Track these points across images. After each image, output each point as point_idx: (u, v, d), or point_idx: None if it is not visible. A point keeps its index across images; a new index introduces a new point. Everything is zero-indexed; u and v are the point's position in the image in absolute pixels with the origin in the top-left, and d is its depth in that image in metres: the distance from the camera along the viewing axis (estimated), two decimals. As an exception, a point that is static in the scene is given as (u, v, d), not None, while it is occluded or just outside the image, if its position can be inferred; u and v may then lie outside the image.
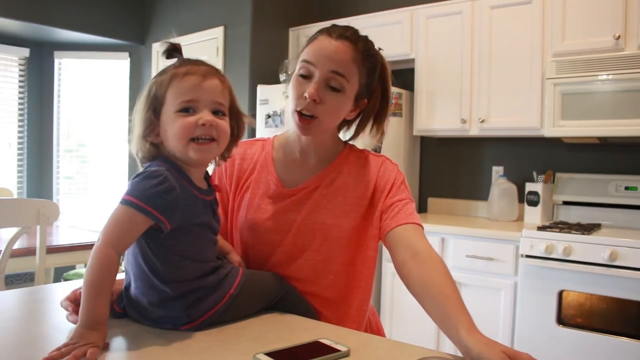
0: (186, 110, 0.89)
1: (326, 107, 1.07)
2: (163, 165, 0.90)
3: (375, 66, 1.14)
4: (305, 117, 1.07)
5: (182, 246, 0.91)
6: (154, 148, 0.93)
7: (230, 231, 1.21)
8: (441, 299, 0.92)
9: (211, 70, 0.92)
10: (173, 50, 0.95)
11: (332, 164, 1.18)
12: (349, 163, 1.18)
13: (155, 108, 0.91)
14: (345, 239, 1.12)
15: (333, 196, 1.14)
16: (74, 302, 0.94)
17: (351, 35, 1.10)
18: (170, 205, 0.86)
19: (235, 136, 1.00)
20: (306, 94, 1.06)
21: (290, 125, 1.17)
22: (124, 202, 0.85)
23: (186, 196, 0.90)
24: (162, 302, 0.91)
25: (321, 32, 1.11)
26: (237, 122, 1.00)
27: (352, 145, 1.24)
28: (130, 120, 0.94)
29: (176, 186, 0.88)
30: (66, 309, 0.94)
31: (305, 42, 1.13)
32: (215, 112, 0.91)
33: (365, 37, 1.13)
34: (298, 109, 1.08)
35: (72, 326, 0.92)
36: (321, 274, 1.12)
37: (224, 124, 0.92)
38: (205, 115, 0.89)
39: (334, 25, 1.12)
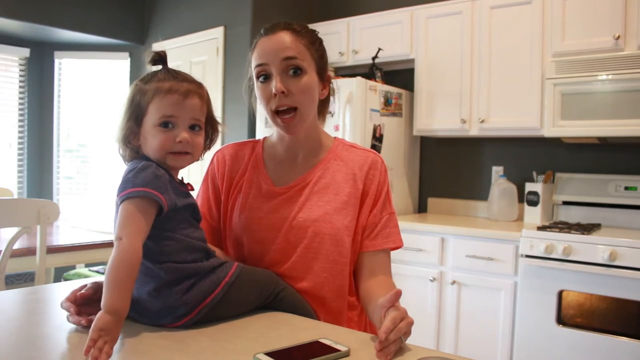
0: (166, 124, 0.97)
1: (297, 93, 1.10)
2: (147, 160, 0.98)
3: (318, 40, 1.18)
4: (285, 116, 1.11)
5: (172, 225, 0.96)
6: (133, 151, 1.01)
7: (224, 232, 1.22)
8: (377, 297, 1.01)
9: (192, 88, 0.99)
10: (158, 60, 1.02)
11: (322, 161, 1.19)
12: (338, 158, 1.20)
13: (137, 116, 0.98)
14: (337, 236, 1.13)
15: (323, 193, 1.16)
16: (74, 302, 0.94)
17: (284, 25, 1.15)
18: (165, 188, 0.94)
19: (210, 141, 1.08)
20: (273, 91, 1.09)
21: (274, 128, 1.21)
22: (132, 194, 0.90)
23: (171, 185, 0.98)
24: (159, 289, 0.93)
25: (258, 37, 1.16)
26: (212, 128, 1.08)
27: (342, 140, 1.26)
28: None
29: (165, 173, 0.97)
30: (67, 310, 0.94)
31: (250, 51, 1.17)
32: (192, 127, 0.99)
33: (295, 22, 1.19)
34: (273, 109, 1.11)
35: (73, 327, 0.93)
36: (315, 272, 1.12)
37: (199, 139, 1.01)
38: (183, 133, 0.97)
39: (265, 27, 1.16)
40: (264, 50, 1.11)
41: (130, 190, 0.91)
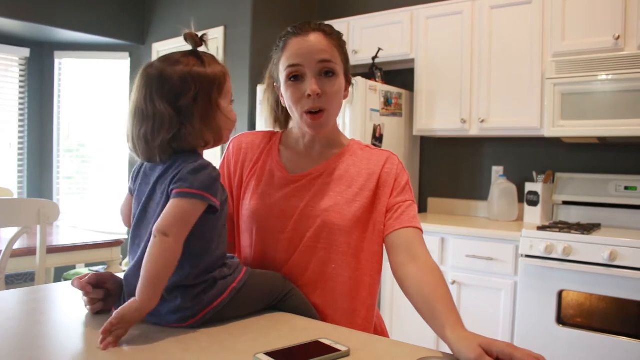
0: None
1: (329, 95, 1.12)
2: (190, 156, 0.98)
3: (344, 42, 1.20)
4: (314, 114, 1.12)
5: (208, 228, 0.97)
6: (170, 148, 0.97)
7: (237, 218, 1.22)
8: (432, 299, 0.96)
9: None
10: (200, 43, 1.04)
11: (337, 154, 1.21)
12: (353, 155, 1.21)
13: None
14: (347, 228, 1.12)
15: (336, 184, 1.16)
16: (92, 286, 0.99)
17: (315, 26, 1.16)
18: (217, 190, 0.96)
19: None
20: (308, 92, 1.10)
21: (295, 124, 1.22)
22: (190, 195, 0.91)
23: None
24: (171, 290, 0.93)
25: (288, 36, 1.16)
26: None
27: (358, 141, 1.27)
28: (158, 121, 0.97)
29: (219, 175, 0.98)
30: (84, 288, 0.98)
31: (277, 50, 1.18)
32: None
33: (323, 22, 1.19)
34: (306, 109, 1.12)
35: (73, 327, 0.93)
36: (323, 262, 1.12)
37: None
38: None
39: (294, 26, 1.16)
40: (299, 51, 1.12)
41: (192, 192, 0.91)
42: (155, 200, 0.96)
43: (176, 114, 0.95)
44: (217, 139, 1.01)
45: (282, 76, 1.15)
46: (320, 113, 1.12)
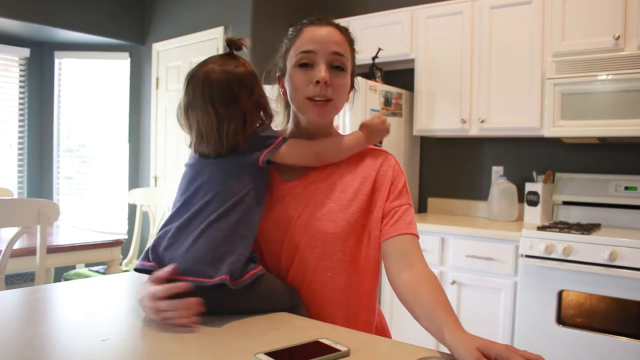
0: None
1: (336, 87, 1.11)
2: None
3: (354, 46, 1.20)
4: (320, 102, 1.11)
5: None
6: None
7: None
8: (429, 305, 0.95)
9: None
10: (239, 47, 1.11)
11: None
12: (348, 158, 1.19)
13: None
14: (340, 235, 1.10)
15: (331, 190, 1.14)
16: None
17: (331, 21, 1.17)
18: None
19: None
20: (317, 79, 1.09)
21: (292, 121, 1.20)
22: (280, 144, 1.09)
23: None
24: (224, 243, 0.98)
25: (303, 25, 1.16)
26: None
27: None
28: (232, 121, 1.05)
29: None
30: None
31: (289, 39, 1.17)
32: None
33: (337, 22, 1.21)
34: (310, 95, 1.10)
35: (73, 327, 0.93)
36: (318, 271, 1.11)
37: None
38: None
39: (309, 19, 1.17)
40: (315, 38, 1.12)
41: (277, 142, 1.07)
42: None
43: (255, 106, 1.07)
44: (270, 120, 1.12)
45: (290, 63, 1.13)
46: (326, 102, 1.11)
